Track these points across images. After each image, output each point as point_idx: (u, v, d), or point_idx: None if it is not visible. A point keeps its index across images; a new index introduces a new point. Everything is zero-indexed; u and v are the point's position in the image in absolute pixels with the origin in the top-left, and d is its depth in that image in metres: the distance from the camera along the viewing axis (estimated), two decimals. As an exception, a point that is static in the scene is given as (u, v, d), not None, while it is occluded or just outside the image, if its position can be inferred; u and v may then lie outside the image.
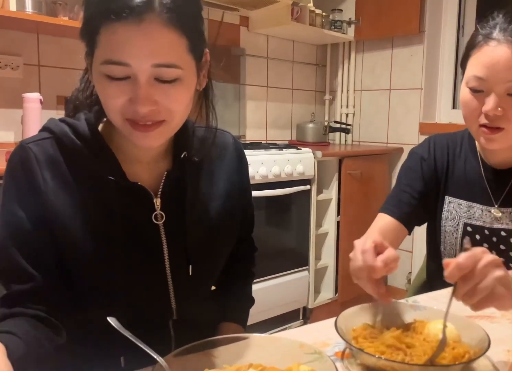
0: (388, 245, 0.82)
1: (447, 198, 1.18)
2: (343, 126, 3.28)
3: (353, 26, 3.15)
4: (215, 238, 0.91)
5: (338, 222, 2.77)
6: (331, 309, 2.68)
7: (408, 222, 1.19)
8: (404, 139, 3.11)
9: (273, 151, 2.43)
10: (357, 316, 0.87)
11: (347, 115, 3.35)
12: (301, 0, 2.76)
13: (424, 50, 2.98)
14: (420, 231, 1.34)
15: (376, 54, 3.21)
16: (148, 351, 0.65)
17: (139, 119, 0.73)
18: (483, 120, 1.01)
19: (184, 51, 0.72)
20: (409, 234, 1.22)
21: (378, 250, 0.81)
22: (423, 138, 3.01)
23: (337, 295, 2.79)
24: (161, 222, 0.85)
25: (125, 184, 0.81)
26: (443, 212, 1.18)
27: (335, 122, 3.30)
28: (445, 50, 3.03)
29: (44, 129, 0.84)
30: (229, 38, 2.86)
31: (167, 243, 0.85)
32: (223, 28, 2.82)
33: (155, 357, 0.64)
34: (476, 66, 1.00)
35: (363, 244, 0.82)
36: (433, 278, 1.28)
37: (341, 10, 3.11)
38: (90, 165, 0.80)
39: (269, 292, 2.35)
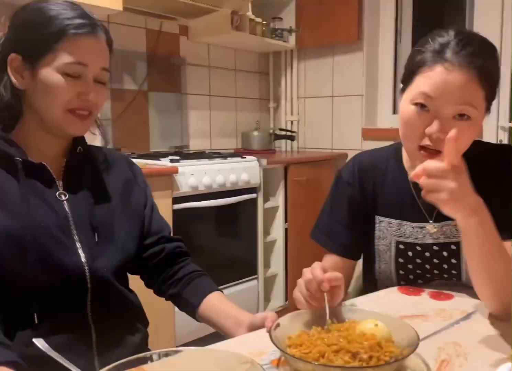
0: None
1: (378, 218, 1.16)
2: (288, 133, 3.30)
3: (293, 34, 3.18)
4: (112, 213, 1.03)
5: (286, 229, 2.77)
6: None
7: (352, 254, 1.19)
8: (348, 144, 3.16)
9: (217, 160, 2.41)
10: (294, 323, 0.87)
11: (292, 122, 3.38)
12: (240, 8, 2.77)
13: (364, 57, 3.05)
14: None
15: (318, 62, 3.26)
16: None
17: (81, 108, 0.94)
18: (425, 142, 0.97)
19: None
20: (359, 259, 1.22)
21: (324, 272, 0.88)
22: (366, 143, 3.12)
23: (287, 302, 2.78)
24: (64, 199, 0.97)
25: (30, 165, 0.94)
26: (375, 232, 1.16)
27: (280, 129, 3.32)
28: (384, 57, 3.11)
29: None
30: (168, 47, 2.82)
31: (72, 218, 0.97)
32: (162, 37, 2.78)
33: None
34: (425, 83, 0.96)
35: (310, 268, 0.90)
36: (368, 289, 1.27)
37: (281, 18, 3.14)
38: (2, 154, 0.92)
39: (218, 303, 2.30)
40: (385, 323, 0.81)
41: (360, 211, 1.17)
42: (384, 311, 0.90)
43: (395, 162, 1.17)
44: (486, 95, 0.97)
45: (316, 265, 0.89)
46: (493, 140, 2.60)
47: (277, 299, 2.80)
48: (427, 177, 0.82)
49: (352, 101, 3.13)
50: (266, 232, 2.75)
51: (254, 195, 2.54)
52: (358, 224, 1.17)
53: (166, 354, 0.72)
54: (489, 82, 0.96)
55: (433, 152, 0.97)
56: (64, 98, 0.92)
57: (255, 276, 2.61)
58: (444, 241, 1.11)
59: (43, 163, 0.95)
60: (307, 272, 0.89)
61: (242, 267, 2.56)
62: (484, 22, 2.64)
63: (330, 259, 1.18)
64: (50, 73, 0.91)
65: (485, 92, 0.96)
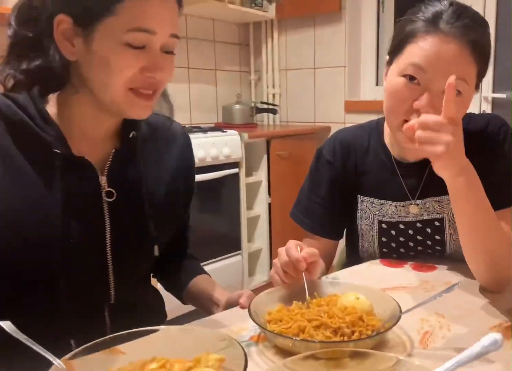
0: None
1: (360, 197, 1.13)
2: (270, 106, 3.25)
3: (274, 4, 3.10)
4: (160, 218, 0.91)
5: (269, 204, 2.76)
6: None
7: (333, 234, 1.17)
8: (331, 117, 3.12)
9: (197, 135, 2.36)
10: (273, 298, 0.85)
11: (273, 95, 3.32)
12: (218, -23, 2.67)
13: (346, 28, 2.99)
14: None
15: (299, 33, 3.19)
16: (44, 353, 0.62)
17: (145, 87, 0.77)
18: (412, 116, 0.91)
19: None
20: (341, 238, 1.20)
21: (300, 249, 0.87)
22: (349, 116, 3.09)
23: (272, 277, 2.78)
24: (111, 199, 0.84)
25: (71, 158, 0.80)
26: (358, 212, 1.13)
27: (262, 103, 3.27)
28: (367, 27, 3.05)
29: None
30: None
31: (110, 222, 0.84)
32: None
33: (51, 359, 0.61)
34: (417, 54, 0.90)
35: (285, 247, 0.87)
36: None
37: (261, -13, 3.05)
38: (34, 137, 0.78)
39: (202, 279, 2.30)
40: (366, 296, 0.80)
41: (341, 191, 1.14)
42: (366, 283, 0.88)
43: (377, 139, 1.13)
44: (478, 71, 0.93)
45: (291, 244, 0.87)
46: (476, 111, 2.59)
47: (262, 274, 2.81)
48: (423, 130, 0.79)
49: (335, 73, 3.08)
50: (249, 207, 2.73)
51: (236, 170, 2.51)
52: (339, 204, 1.14)
53: (142, 333, 0.70)
54: (482, 56, 0.92)
55: None
56: (125, 74, 0.75)
57: (239, 251, 2.60)
58: (427, 218, 1.09)
59: (85, 158, 0.81)
60: (282, 253, 0.87)
61: (226, 242, 2.54)
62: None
63: (311, 239, 1.16)
64: (108, 43, 0.74)
65: (478, 68, 0.92)
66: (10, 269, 0.79)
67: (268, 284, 2.75)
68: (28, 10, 0.78)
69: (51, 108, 0.81)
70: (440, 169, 0.82)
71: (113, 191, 0.84)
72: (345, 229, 1.23)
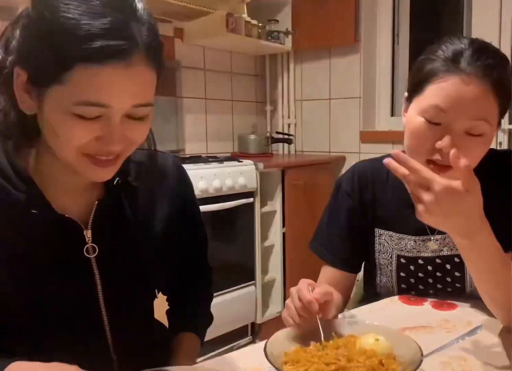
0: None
1: (378, 231, 1.12)
2: (285, 136, 3.27)
3: (290, 36, 3.15)
4: (155, 264, 0.87)
5: (283, 234, 2.73)
6: (280, 324, 2.60)
7: (352, 267, 1.15)
8: (346, 147, 3.12)
9: (213, 164, 2.37)
10: (289, 338, 0.83)
11: (289, 125, 3.35)
12: (235, 10, 2.73)
13: (361, 59, 3.02)
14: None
15: (315, 64, 3.22)
16: None
17: (102, 154, 0.69)
18: (435, 156, 0.91)
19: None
20: (359, 272, 1.18)
21: (312, 288, 0.85)
22: (364, 146, 3.09)
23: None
24: (93, 256, 0.80)
25: (51, 217, 0.75)
26: (375, 245, 1.12)
27: (277, 133, 3.28)
28: (381, 59, 3.08)
29: None
30: (163, 50, 2.78)
31: (100, 277, 0.80)
32: (157, 40, 2.74)
33: None
34: (438, 95, 0.89)
35: (297, 287, 0.86)
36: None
37: (277, 20, 3.10)
38: (10, 197, 0.72)
39: (215, 309, 2.23)
40: (386, 337, 0.78)
41: (360, 223, 1.13)
42: (384, 322, 0.87)
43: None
44: (500, 110, 0.92)
45: (303, 284, 0.86)
46: (492, 143, 2.57)
47: (275, 305, 2.76)
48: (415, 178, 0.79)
49: (350, 104, 3.10)
50: (264, 237, 2.71)
51: (251, 200, 2.50)
52: (357, 236, 1.13)
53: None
54: (504, 95, 0.91)
55: (443, 166, 0.90)
56: (75, 144, 0.67)
57: (253, 281, 2.57)
58: (447, 254, 1.07)
59: (67, 216, 0.76)
60: (294, 295, 0.85)
61: (240, 272, 2.52)
62: (482, 24, 2.61)
63: (329, 271, 1.14)
64: (55, 111, 0.66)
65: (500, 107, 0.91)
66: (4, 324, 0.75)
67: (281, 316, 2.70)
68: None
69: (29, 161, 0.76)
70: (428, 223, 0.83)
71: (95, 246, 0.79)
72: (363, 263, 1.21)
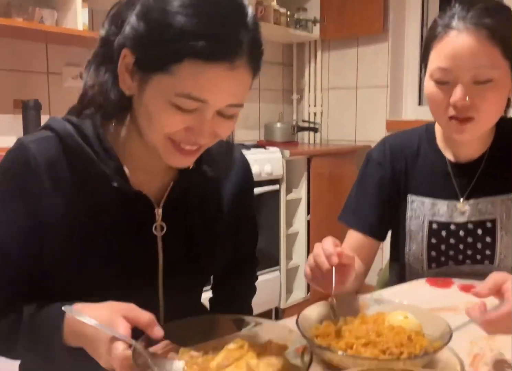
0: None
1: (410, 197, 1.15)
2: (311, 125, 3.27)
3: (318, 25, 3.15)
4: (213, 251, 0.90)
5: (308, 222, 2.76)
6: (303, 309, 2.65)
7: (378, 233, 1.17)
8: (372, 137, 3.11)
9: (241, 151, 2.40)
10: (320, 313, 0.86)
11: (315, 114, 3.35)
12: (264, -1, 2.74)
13: (389, 48, 3.00)
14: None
15: (342, 53, 3.22)
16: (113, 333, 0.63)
17: (187, 143, 0.74)
18: (452, 112, 0.98)
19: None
20: (383, 241, 1.20)
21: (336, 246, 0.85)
22: (390, 135, 3.07)
23: (309, 294, 2.77)
24: (160, 234, 0.83)
25: (128, 192, 0.78)
26: (407, 212, 1.15)
27: (303, 121, 3.30)
28: (409, 48, 3.05)
29: (46, 127, 0.79)
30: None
31: (163, 256, 0.83)
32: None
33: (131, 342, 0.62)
34: (438, 57, 0.98)
35: (322, 240, 0.86)
36: (395, 278, 1.25)
37: (306, 9, 3.11)
38: (94, 169, 0.76)
39: (240, 294, 2.31)
40: (414, 316, 0.79)
41: (390, 192, 1.16)
42: (412, 303, 0.88)
43: (427, 142, 1.16)
44: (504, 52, 0.95)
45: (328, 238, 0.86)
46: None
47: (299, 291, 2.80)
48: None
49: (376, 93, 3.08)
50: (289, 224, 2.74)
51: (277, 187, 2.53)
52: (387, 204, 1.16)
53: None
54: (501, 38, 0.94)
55: (464, 120, 0.98)
56: (167, 130, 0.72)
57: (277, 267, 2.61)
58: (479, 219, 1.09)
59: (142, 192, 0.80)
60: (317, 246, 0.86)
61: (265, 258, 2.55)
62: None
63: (354, 236, 1.16)
64: (156, 98, 0.70)
65: (501, 49, 0.95)
66: (65, 287, 0.78)
67: (306, 301, 2.74)
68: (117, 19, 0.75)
69: (110, 138, 0.80)
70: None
71: (164, 225, 0.83)
72: (391, 234, 1.24)
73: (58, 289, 0.78)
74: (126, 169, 0.79)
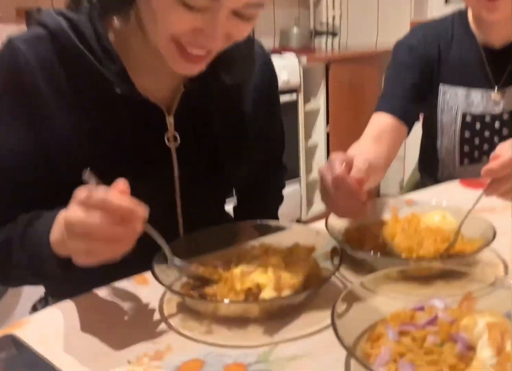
0: None
1: (442, 88, 1.10)
2: (330, 29, 3.08)
3: None
4: (234, 159, 0.83)
5: (327, 133, 2.67)
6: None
7: (407, 116, 1.08)
8: (395, 40, 2.90)
9: (255, 58, 2.26)
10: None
11: (333, 17, 3.14)
12: None
13: None
14: (412, 136, 1.21)
15: None
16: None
17: (195, 46, 0.63)
18: None
19: None
20: (409, 132, 1.12)
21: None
22: (414, 37, 2.88)
23: (329, 206, 2.75)
24: (174, 145, 0.75)
25: (134, 98, 0.70)
26: (438, 104, 1.10)
27: (321, 25, 3.09)
28: None
29: (38, 23, 0.70)
30: None
31: (178, 168, 0.77)
32: None
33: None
34: None
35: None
36: (426, 177, 1.22)
37: None
38: (92, 71, 0.68)
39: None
40: (453, 216, 0.74)
41: (423, 77, 1.10)
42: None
43: (460, 26, 1.11)
44: None
45: (337, 156, 0.69)
46: None
47: (320, 203, 2.77)
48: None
49: (400, -10, 2.86)
50: (307, 136, 2.65)
51: (294, 97, 2.42)
52: (419, 92, 1.10)
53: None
54: None
55: None
56: (172, 30, 0.62)
57: (297, 178, 2.57)
58: None
59: (150, 100, 0.71)
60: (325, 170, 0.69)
61: (284, 171, 2.51)
62: None
63: (383, 118, 1.07)
64: None
65: None
66: None
67: (325, 214, 2.73)
68: None
69: (110, 35, 0.70)
70: None
71: (177, 135, 0.75)
72: (422, 127, 1.19)
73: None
74: (128, 71, 0.70)
